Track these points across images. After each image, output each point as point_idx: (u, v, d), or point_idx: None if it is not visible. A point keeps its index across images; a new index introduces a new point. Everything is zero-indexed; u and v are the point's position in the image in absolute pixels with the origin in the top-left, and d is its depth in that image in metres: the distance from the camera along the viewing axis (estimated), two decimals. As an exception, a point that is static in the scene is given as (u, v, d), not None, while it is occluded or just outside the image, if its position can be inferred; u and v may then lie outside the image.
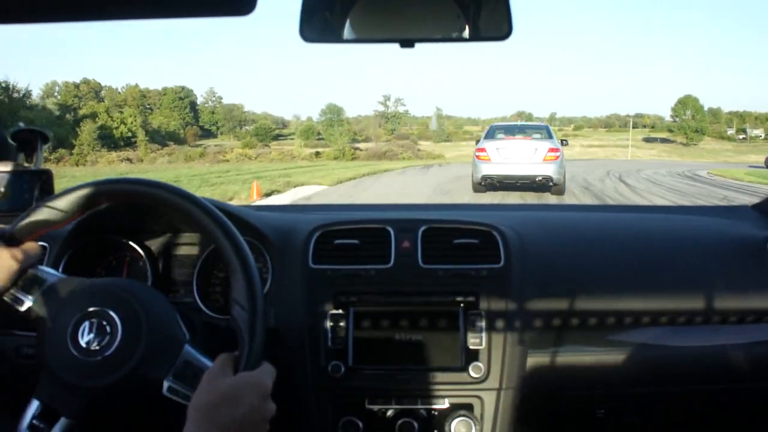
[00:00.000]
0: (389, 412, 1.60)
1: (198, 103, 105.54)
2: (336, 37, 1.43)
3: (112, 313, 1.21)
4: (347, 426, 1.58)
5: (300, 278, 1.65)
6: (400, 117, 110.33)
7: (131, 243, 1.75)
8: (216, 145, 77.30)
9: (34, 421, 1.20)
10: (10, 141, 1.84)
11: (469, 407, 1.61)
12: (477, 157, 15.75)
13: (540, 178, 15.09)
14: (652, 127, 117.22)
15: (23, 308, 1.25)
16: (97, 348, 1.19)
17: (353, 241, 1.69)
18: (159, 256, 1.77)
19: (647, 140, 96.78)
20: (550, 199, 15.25)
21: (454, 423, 1.57)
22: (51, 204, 1.25)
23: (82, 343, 1.19)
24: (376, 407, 1.60)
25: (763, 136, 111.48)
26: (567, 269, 1.72)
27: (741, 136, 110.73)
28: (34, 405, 1.21)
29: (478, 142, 16.98)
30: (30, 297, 1.25)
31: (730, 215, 2.07)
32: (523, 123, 22.69)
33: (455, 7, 1.40)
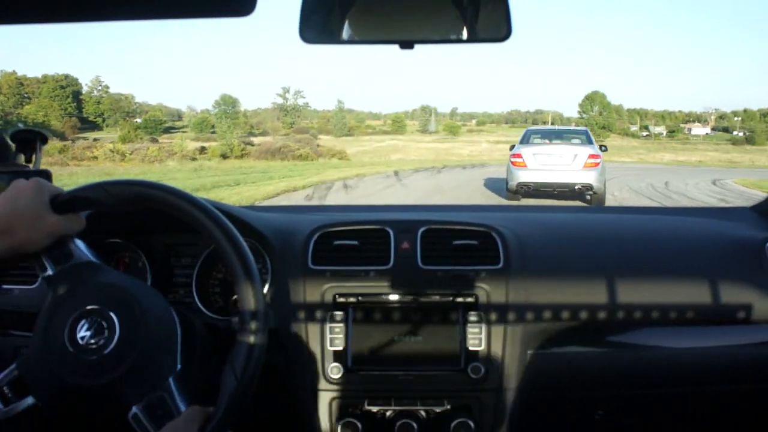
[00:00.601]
0: (388, 414, 1.60)
1: (83, 92, 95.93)
2: (335, 38, 1.43)
3: (112, 316, 1.21)
4: (346, 427, 1.58)
5: (299, 279, 1.65)
6: (299, 110, 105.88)
7: (130, 244, 1.75)
8: (95, 139, 70.13)
9: (5, 389, 1.21)
10: (9, 142, 1.83)
11: (468, 408, 1.61)
12: (512, 163, 14.72)
13: (579, 186, 14.09)
14: (552, 124, 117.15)
15: (44, 274, 1.26)
16: (93, 347, 1.19)
17: (353, 242, 1.69)
18: (158, 257, 1.77)
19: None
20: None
21: (453, 424, 1.57)
22: (108, 188, 1.26)
23: (79, 337, 1.19)
24: (375, 408, 1.60)
25: (665, 134, 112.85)
26: (566, 270, 1.72)
27: (645, 134, 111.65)
28: (9, 370, 1.21)
29: (512, 147, 15.76)
30: (54, 267, 1.25)
31: (728, 216, 2.08)
32: (561, 127, 21.31)
33: (454, 8, 1.41)
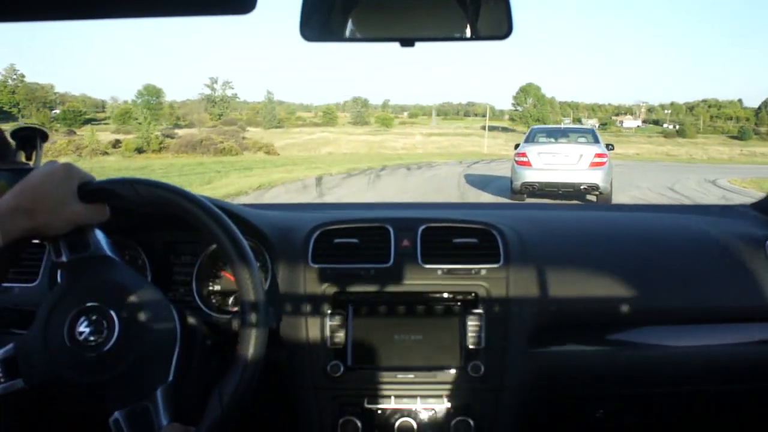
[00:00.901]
0: (388, 412, 1.61)
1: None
2: (336, 36, 1.43)
3: (114, 316, 1.21)
4: (346, 426, 1.58)
5: (299, 277, 1.65)
6: (228, 101, 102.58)
7: (131, 241, 1.74)
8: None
9: None
10: (9, 139, 1.83)
11: (468, 407, 1.61)
12: (516, 162, 14.49)
13: (585, 186, 13.87)
14: (483, 116, 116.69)
15: (60, 259, 1.25)
16: (90, 345, 1.19)
17: (353, 240, 1.69)
18: (158, 255, 1.77)
19: (490, 129, 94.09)
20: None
21: (453, 422, 1.58)
22: (137, 186, 1.25)
23: (77, 332, 1.19)
24: (375, 407, 1.61)
25: (597, 126, 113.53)
26: (566, 268, 1.72)
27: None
28: (6, 349, 1.22)
29: (517, 146, 15.56)
30: (70, 255, 1.25)
31: (728, 214, 2.08)
32: (567, 126, 20.85)
33: (455, 6, 1.41)
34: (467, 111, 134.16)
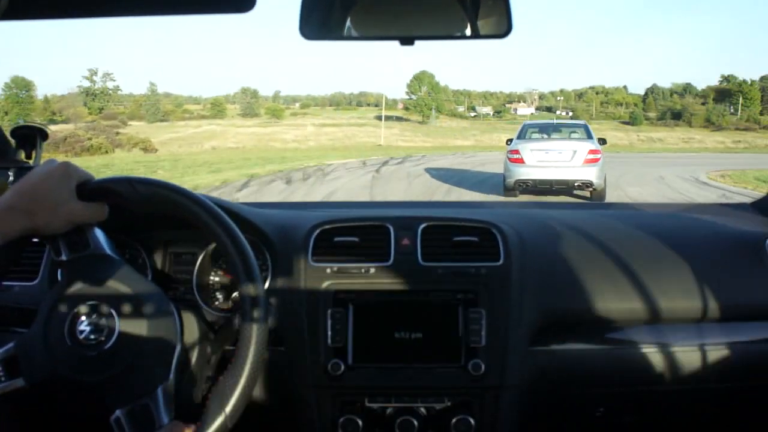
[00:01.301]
0: (389, 411, 1.61)
1: None
2: (336, 35, 1.45)
3: (114, 315, 1.21)
4: (347, 424, 1.58)
5: (300, 276, 1.65)
6: (109, 94, 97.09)
7: (131, 240, 1.74)
8: None
9: None
10: (9, 138, 1.84)
11: (468, 405, 1.61)
12: (509, 159, 14.51)
13: (579, 183, 13.90)
14: (376, 105, 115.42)
15: (59, 258, 1.25)
16: (91, 344, 1.19)
17: (353, 239, 1.69)
18: (158, 254, 1.77)
19: (379, 118, 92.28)
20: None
21: (453, 421, 1.58)
22: (136, 184, 1.25)
23: (78, 331, 1.20)
24: (375, 405, 1.61)
25: (492, 114, 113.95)
26: (566, 267, 1.72)
27: (472, 114, 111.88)
28: (6, 348, 1.21)
29: (509, 141, 15.75)
30: (69, 254, 1.25)
31: (729, 213, 2.09)
32: (560, 121, 20.15)
33: (455, 5, 1.42)
34: (360, 101, 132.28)
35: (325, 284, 1.64)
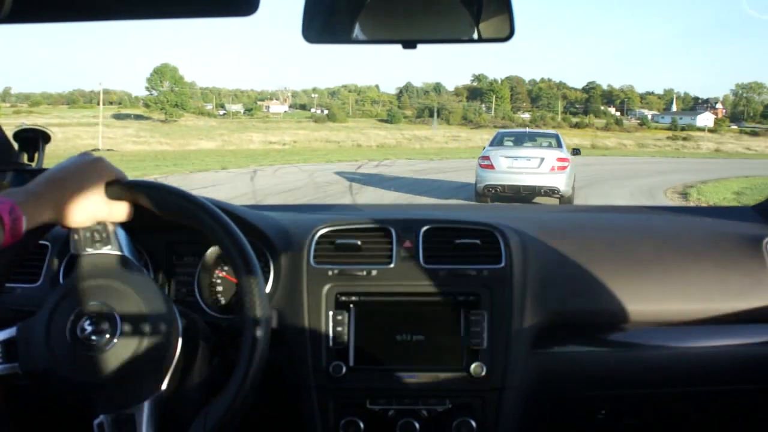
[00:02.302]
0: (390, 413, 1.61)
1: None
2: (338, 38, 1.46)
3: (118, 320, 1.21)
4: (348, 426, 1.59)
5: (301, 278, 1.66)
6: None
7: (133, 241, 1.71)
8: None
9: None
10: (11, 141, 1.84)
11: (470, 407, 1.62)
12: (480, 165, 15.20)
13: (546, 189, 14.49)
14: (120, 104, 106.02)
15: (77, 251, 1.26)
16: (90, 344, 1.19)
17: (355, 241, 1.69)
18: (160, 255, 1.78)
19: (118, 117, 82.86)
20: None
21: (455, 423, 1.59)
22: (165, 192, 1.27)
23: (79, 329, 1.19)
24: (377, 407, 1.61)
25: (243, 112, 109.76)
26: (567, 269, 1.73)
27: (222, 112, 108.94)
28: (8, 331, 1.22)
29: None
30: (88, 248, 1.26)
31: (729, 216, 2.09)
32: (532, 130, 21.11)
33: (458, 9, 1.43)
34: (102, 99, 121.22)
35: (326, 286, 1.64)
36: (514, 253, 1.68)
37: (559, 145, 15.73)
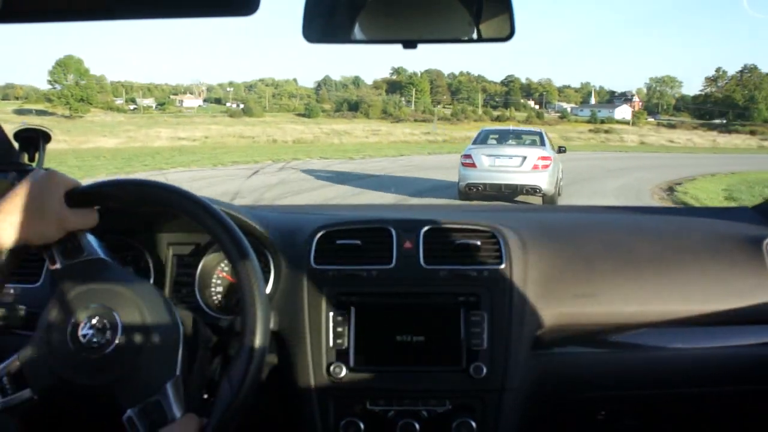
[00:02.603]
0: (390, 413, 1.61)
1: None
2: (339, 38, 1.46)
3: (116, 316, 1.21)
4: (348, 427, 1.60)
5: (302, 278, 1.66)
6: None
7: (133, 242, 1.75)
8: None
9: (3, 379, 1.21)
10: (12, 140, 1.85)
11: (470, 408, 1.62)
12: (462, 163, 15.03)
13: (528, 187, 14.36)
14: (26, 99, 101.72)
15: (52, 267, 1.26)
16: (94, 346, 1.19)
17: (355, 242, 1.69)
18: (160, 255, 1.77)
19: (20, 113, 78.58)
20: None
21: (455, 424, 1.59)
22: (125, 186, 1.27)
23: (81, 335, 1.20)
24: (377, 408, 1.61)
25: (155, 107, 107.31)
26: (568, 270, 1.73)
27: (132, 107, 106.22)
28: (10, 361, 1.22)
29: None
30: (64, 261, 1.26)
31: (730, 216, 2.09)
32: (516, 128, 21.03)
33: (458, 8, 1.43)
34: (6, 94, 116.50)
35: (326, 287, 1.65)
36: (515, 254, 1.68)
37: (542, 143, 15.66)
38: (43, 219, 1.19)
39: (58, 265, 1.25)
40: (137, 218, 1.69)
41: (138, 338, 1.20)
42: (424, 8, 1.43)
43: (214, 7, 1.28)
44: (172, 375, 1.20)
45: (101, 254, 1.29)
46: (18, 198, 1.18)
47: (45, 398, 1.20)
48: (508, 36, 1.39)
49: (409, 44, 1.39)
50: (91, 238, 1.30)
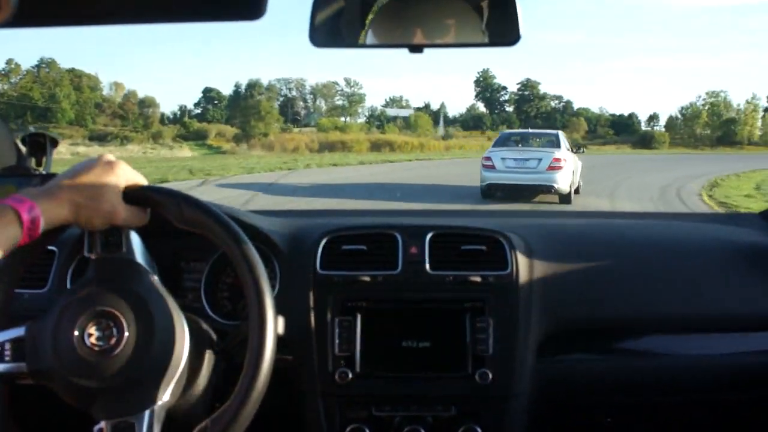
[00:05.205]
0: (396, 419, 1.61)
1: None
2: (345, 43, 1.49)
3: (125, 326, 1.19)
4: None
5: (308, 284, 1.66)
6: None
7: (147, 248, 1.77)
8: None
9: (6, 344, 1.20)
10: (19, 145, 1.84)
11: (476, 414, 1.61)
12: (483, 165, 16.16)
13: (543, 187, 15.29)
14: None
15: (89, 254, 1.25)
16: (96, 349, 1.18)
17: (361, 247, 1.70)
18: (167, 261, 1.76)
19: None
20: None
21: (461, 430, 1.58)
22: (183, 203, 1.25)
23: (87, 333, 1.18)
24: (383, 414, 1.61)
25: None
26: (574, 276, 1.73)
27: None
28: (17, 330, 1.22)
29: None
30: (101, 252, 1.25)
31: (737, 222, 2.08)
32: (534, 131, 22.13)
33: (464, 13, 1.44)
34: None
35: (332, 293, 1.64)
36: (520, 260, 1.67)
37: (558, 145, 16.35)
38: (97, 206, 1.17)
39: (93, 255, 1.24)
40: (150, 223, 1.66)
41: (137, 356, 1.18)
42: (431, 13, 1.44)
43: (220, 11, 1.28)
44: (158, 400, 1.19)
45: (138, 257, 1.27)
46: (80, 180, 1.17)
47: (34, 376, 1.20)
48: (515, 40, 1.39)
49: (416, 49, 1.40)
50: (135, 237, 1.28)
